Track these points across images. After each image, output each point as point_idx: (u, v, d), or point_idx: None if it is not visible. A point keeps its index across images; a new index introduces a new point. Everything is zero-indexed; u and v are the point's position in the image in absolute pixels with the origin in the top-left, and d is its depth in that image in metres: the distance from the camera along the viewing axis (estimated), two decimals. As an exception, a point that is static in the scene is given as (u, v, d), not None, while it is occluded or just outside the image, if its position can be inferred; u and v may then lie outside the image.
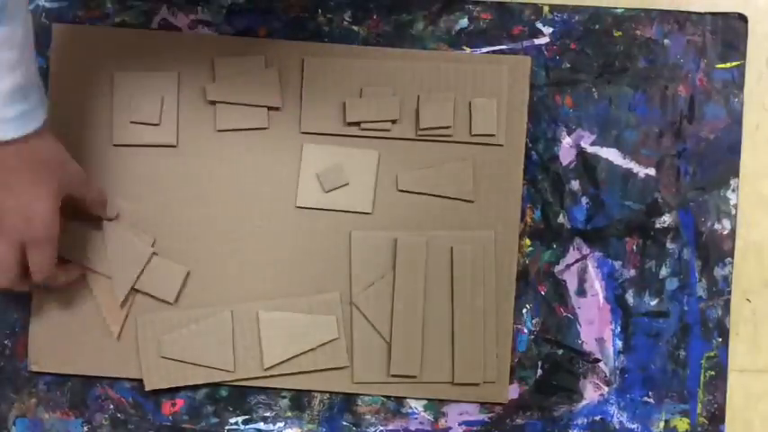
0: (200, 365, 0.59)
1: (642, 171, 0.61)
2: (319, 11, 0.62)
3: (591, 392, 0.61)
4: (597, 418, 0.61)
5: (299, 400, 0.61)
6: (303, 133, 0.61)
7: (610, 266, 0.61)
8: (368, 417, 0.60)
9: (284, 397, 0.61)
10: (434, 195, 0.61)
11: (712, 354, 0.61)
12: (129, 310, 0.60)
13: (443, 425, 0.60)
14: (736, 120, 0.61)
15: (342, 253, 0.60)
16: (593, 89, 0.61)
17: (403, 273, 0.60)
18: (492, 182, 0.61)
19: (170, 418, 0.60)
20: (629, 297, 0.61)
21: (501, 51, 0.62)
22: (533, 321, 0.61)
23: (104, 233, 0.59)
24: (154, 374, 0.59)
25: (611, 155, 0.61)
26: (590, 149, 0.61)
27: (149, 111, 0.60)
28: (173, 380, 0.60)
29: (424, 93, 0.60)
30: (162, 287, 0.59)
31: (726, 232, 0.61)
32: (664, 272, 0.61)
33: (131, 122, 0.60)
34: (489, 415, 0.61)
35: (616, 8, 0.62)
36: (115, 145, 0.60)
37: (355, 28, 0.62)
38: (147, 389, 0.59)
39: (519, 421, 0.61)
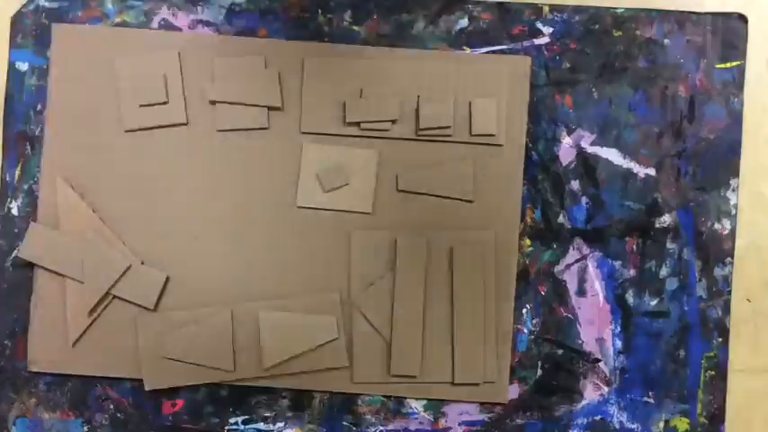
0: (200, 365, 0.59)
1: (642, 171, 0.61)
2: (319, 11, 0.62)
3: (591, 392, 0.61)
4: (597, 418, 0.61)
5: (299, 400, 0.61)
6: (303, 133, 0.61)
7: (610, 266, 0.61)
8: (368, 417, 0.60)
9: (284, 397, 0.61)
10: (434, 195, 0.61)
11: (712, 354, 0.61)
12: (98, 317, 0.60)
13: (443, 425, 0.60)
14: (736, 120, 0.61)
15: (342, 253, 0.60)
16: (593, 89, 0.62)
17: (403, 273, 0.60)
18: (492, 182, 0.61)
19: (170, 418, 0.60)
20: (629, 297, 0.61)
21: (501, 51, 0.62)
22: (533, 321, 0.61)
23: (83, 243, 0.59)
24: (154, 374, 0.59)
25: (611, 155, 0.61)
26: (590, 149, 0.61)
27: (155, 90, 0.60)
28: (173, 380, 0.60)
29: (424, 93, 0.60)
30: (142, 294, 0.60)
31: (726, 232, 0.61)
32: (664, 272, 0.61)
33: (139, 106, 0.60)
34: (489, 415, 0.61)
35: (616, 8, 0.62)
36: (127, 131, 0.60)
37: (355, 28, 0.62)
38: (147, 389, 0.59)
39: (519, 421, 0.61)
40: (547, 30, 0.62)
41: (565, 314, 0.61)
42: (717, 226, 0.61)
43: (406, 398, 0.61)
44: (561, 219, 0.61)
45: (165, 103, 0.60)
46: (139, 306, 0.60)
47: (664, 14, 0.62)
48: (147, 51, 0.61)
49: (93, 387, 0.60)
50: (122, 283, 0.60)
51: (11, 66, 0.61)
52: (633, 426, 0.61)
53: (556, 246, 0.61)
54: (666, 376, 0.61)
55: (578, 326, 0.61)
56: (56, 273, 0.60)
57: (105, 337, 0.60)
